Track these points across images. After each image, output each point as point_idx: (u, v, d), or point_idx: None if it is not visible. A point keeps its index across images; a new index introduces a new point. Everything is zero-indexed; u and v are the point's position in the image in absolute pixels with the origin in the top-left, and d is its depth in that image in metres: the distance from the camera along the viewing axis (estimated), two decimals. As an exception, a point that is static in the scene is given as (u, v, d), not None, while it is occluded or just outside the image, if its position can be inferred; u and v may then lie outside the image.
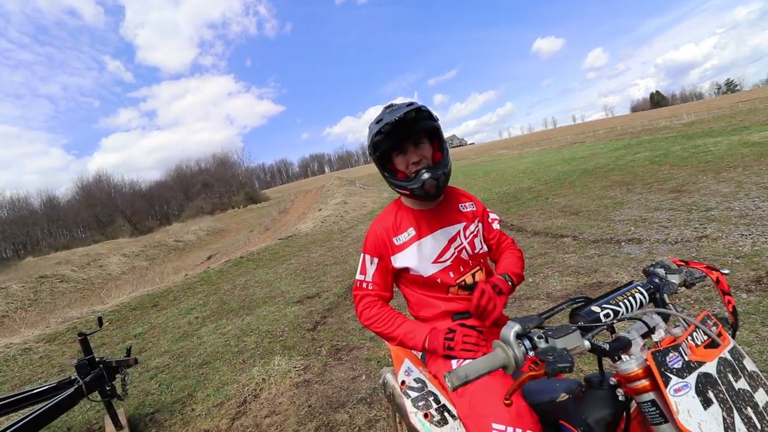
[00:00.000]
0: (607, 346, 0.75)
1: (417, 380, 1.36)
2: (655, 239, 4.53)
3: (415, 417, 1.29)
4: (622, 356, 0.76)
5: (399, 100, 1.36)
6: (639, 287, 0.93)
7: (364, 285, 1.36)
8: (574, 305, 0.89)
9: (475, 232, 1.38)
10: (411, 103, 1.24)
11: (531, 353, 0.74)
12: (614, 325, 0.85)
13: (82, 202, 73.59)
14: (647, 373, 0.72)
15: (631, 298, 0.89)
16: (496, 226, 1.47)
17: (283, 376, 3.16)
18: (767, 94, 51.53)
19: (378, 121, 1.26)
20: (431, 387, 1.32)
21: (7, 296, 17.23)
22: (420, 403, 1.29)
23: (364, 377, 2.94)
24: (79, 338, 2.70)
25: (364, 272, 1.37)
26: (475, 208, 1.44)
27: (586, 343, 0.75)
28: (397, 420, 1.67)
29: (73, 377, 2.63)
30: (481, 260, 1.40)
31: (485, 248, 1.42)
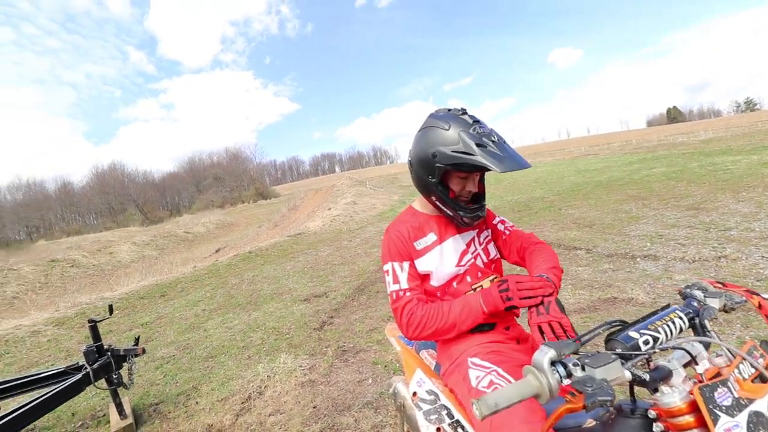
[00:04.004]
0: (647, 376, 0.71)
1: (429, 392, 1.32)
2: (672, 257, 4.42)
3: (427, 431, 1.25)
4: (662, 387, 0.72)
5: (455, 104, 1.32)
6: (678, 311, 0.88)
7: (401, 293, 1.24)
8: (611, 329, 0.85)
9: (488, 238, 1.41)
10: (516, 155, 1.16)
11: (566, 382, 0.69)
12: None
13: (95, 189, 74.99)
14: (692, 408, 0.67)
15: (670, 323, 0.84)
16: (501, 227, 1.44)
17: (288, 375, 3.14)
18: (789, 113, 50.39)
19: (482, 145, 1.12)
20: (445, 400, 1.27)
21: (18, 278, 17.57)
22: (432, 417, 1.25)
23: (370, 381, 2.90)
24: (90, 325, 2.72)
25: (397, 281, 1.26)
26: (485, 216, 1.43)
27: (627, 374, 0.69)
28: (406, 430, 1.64)
29: (81, 363, 2.64)
30: (494, 266, 1.40)
31: (497, 254, 1.43)
